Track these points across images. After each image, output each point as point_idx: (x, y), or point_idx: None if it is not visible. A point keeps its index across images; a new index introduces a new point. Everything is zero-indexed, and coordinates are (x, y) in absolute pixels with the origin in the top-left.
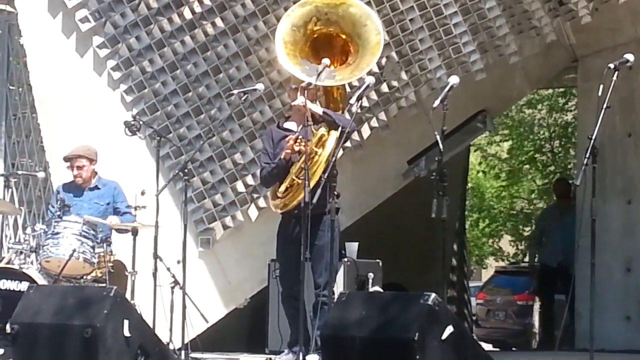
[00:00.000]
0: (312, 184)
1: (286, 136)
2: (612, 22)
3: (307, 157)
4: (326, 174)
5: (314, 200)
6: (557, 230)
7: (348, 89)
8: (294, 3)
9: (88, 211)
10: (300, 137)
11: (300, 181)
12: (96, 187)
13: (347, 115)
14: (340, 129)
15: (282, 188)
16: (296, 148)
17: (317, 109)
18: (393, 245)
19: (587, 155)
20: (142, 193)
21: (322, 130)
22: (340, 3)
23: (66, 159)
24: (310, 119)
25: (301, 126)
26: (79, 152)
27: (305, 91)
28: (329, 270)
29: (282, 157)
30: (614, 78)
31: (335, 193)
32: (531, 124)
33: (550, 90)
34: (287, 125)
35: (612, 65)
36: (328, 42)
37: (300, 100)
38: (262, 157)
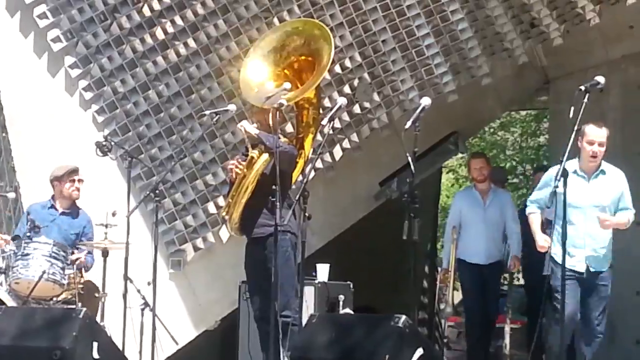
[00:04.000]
0: (239, 205)
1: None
2: (583, 44)
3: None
4: (297, 196)
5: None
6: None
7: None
8: (266, 25)
9: (58, 236)
10: (237, 160)
11: (231, 201)
12: (70, 213)
13: (318, 137)
14: (276, 149)
15: (223, 211)
16: (234, 170)
17: (253, 130)
18: (364, 267)
19: (558, 177)
20: (113, 214)
21: (255, 152)
22: (306, 26)
23: (60, 177)
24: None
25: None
26: (73, 167)
27: (267, 113)
28: (285, 292)
29: (230, 180)
30: (585, 100)
31: (307, 215)
32: (504, 146)
33: (524, 113)
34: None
35: (582, 88)
36: (299, 67)
37: (240, 123)
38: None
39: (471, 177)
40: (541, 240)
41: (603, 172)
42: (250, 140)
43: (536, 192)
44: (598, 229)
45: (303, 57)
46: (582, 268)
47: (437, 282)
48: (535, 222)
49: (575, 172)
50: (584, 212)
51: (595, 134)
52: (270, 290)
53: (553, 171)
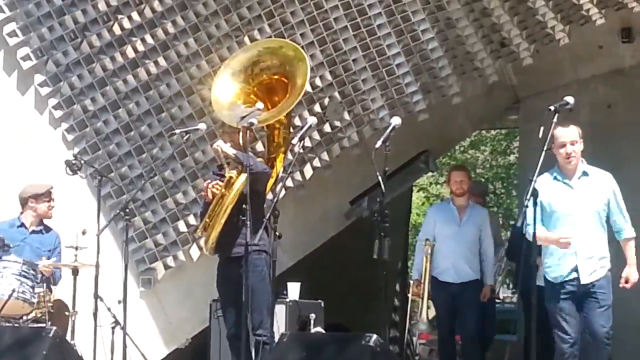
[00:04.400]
0: (218, 225)
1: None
2: (553, 64)
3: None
4: (268, 215)
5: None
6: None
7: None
8: (237, 43)
9: (31, 255)
10: (214, 180)
11: (210, 222)
12: (40, 231)
13: (289, 156)
14: (248, 169)
15: (199, 231)
16: (211, 190)
17: (230, 150)
18: (335, 286)
19: (528, 197)
20: (83, 232)
21: (233, 172)
22: (280, 46)
23: (39, 195)
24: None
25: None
26: (50, 186)
27: (237, 133)
28: (261, 310)
29: (205, 200)
30: (554, 120)
31: (277, 234)
32: (474, 164)
33: (494, 132)
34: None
35: (552, 108)
36: (270, 87)
37: (216, 143)
38: (202, 200)
39: (450, 190)
40: (558, 241)
41: (586, 173)
42: (225, 160)
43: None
44: (591, 236)
45: (275, 77)
46: (575, 276)
47: (409, 295)
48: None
49: (555, 177)
50: (574, 220)
51: (565, 134)
52: (252, 304)
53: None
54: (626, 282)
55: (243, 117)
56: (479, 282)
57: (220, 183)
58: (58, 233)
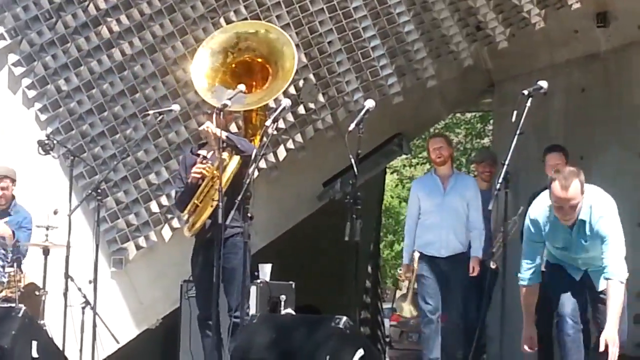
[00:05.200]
0: (209, 208)
1: (196, 162)
2: (528, 47)
3: (216, 180)
4: (240, 196)
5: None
6: None
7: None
8: (212, 25)
9: None
10: (204, 160)
11: (200, 204)
12: (8, 213)
13: (264, 138)
14: (241, 153)
15: (185, 212)
16: (205, 173)
17: (222, 133)
18: (307, 268)
19: (500, 181)
20: (55, 212)
21: (225, 154)
22: (259, 30)
23: None
24: (220, 143)
25: (211, 152)
26: (3, 172)
27: (218, 115)
28: (240, 292)
29: (189, 180)
30: (528, 104)
31: (249, 215)
32: None
33: (469, 115)
34: (201, 150)
35: (525, 92)
36: (249, 68)
37: (205, 124)
38: (176, 181)
39: (430, 160)
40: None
41: (583, 222)
42: (215, 142)
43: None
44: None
45: (254, 59)
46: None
47: (400, 278)
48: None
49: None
50: (576, 260)
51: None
52: (229, 289)
53: (529, 224)
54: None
55: (230, 99)
56: (466, 255)
57: (210, 165)
58: (26, 214)
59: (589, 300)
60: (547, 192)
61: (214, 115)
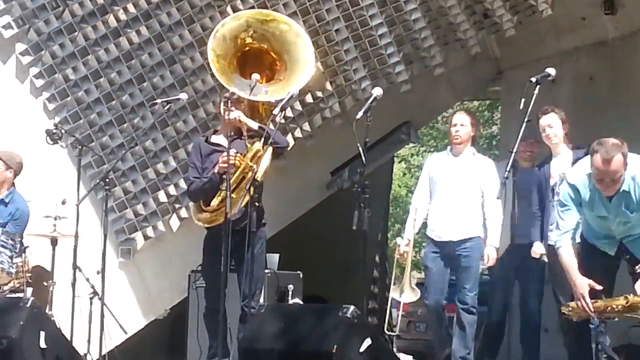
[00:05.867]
0: (246, 199)
1: (215, 151)
2: (535, 35)
3: (248, 171)
4: (249, 185)
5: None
6: None
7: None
8: (220, 13)
9: None
10: (237, 152)
11: (235, 196)
12: (2, 201)
13: (271, 126)
14: (275, 145)
15: (215, 203)
16: (231, 162)
17: (253, 123)
18: (315, 257)
19: (508, 168)
20: (63, 202)
21: (258, 145)
22: (271, 19)
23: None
24: (244, 133)
25: (231, 140)
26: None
27: (226, 104)
28: (257, 282)
29: (215, 171)
30: (536, 92)
31: (257, 205)
32: None
33: (477, 103)
34: (214, 139)
35: (533, 79)
36: (256, 57)
37: (236, 113)
38: (190, 170)
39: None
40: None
41: (625, 193)
42: (247, 131)
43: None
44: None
45: (266, 49)
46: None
47: (397, 256)
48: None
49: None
50: (613, 231)
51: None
52: (250, 278)
53: (568, 188)
54: None
55: (252, 89)
56: (481, 241)
57: (241, 156)
58: (21, 204)
59: (629, 273)
60: (587, 158)
61: (223, 104)
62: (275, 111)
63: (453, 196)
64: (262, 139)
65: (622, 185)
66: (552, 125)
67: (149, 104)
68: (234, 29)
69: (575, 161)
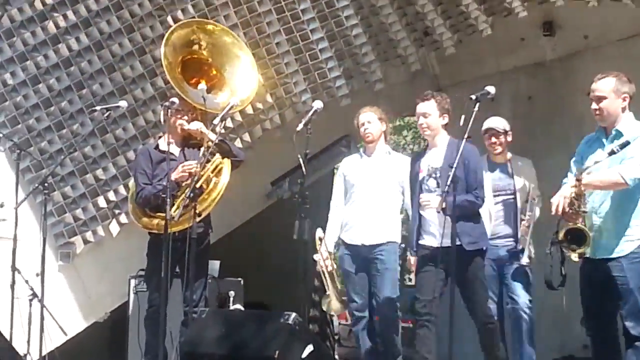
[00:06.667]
0: (208, 210)
1: (164, 159)
2: (475, 54)
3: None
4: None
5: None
6: None
7: None
8: (160, 23)
9: None
10: (197, 162)
11: (198, 206)
12: None
13: (212, 136)
14: (234, 157)
15: (174, 211)
16: (192, 172)
17: (213, 135)
18: (256, 265)
19: (448, 184)
20: (1, 205)
21: (219, 158)
22: (215, 30)
23: None
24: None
25: (182, 148)
26: None
27: (166, 112)
28: (202, 287)
29: (173, 178)
30: (475, 109)
31: (198, 212)
32: (396, 149)
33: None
34: (163, 146)
35: (473, 97)
36: (196, 66)
37: (196, 125)
38: (139, 177)
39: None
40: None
41: (619, 133)
42: (181, 142)
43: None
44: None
45: (207, 59)
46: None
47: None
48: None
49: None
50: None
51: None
52: (194, 284)
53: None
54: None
55: (204, 99)
56: (397, 246)
57: (197, 166)
58: None
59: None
60: None
61: (168, 113)
62: (216, 121)
63: (367, 198)
64: (221, 151)
65: (616, 124)
66: (428, 113)
67: (88, 111)
68: (182, 37)
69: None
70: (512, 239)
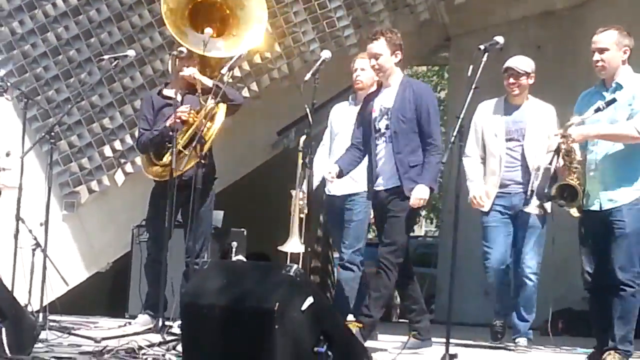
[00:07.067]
0: (195, 158)
1: (167, 104)
2: (485, 3)
3: (199, 128)
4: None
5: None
6: None
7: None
8: None
9: None
10: (190, 108)
11: (187, 152)
12: None
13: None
14: (230, 102)
15: (167, 158)
16: (184, 118)
17: (207, 80)
18: (259, 215)
19: (454, 134)
20: (7, 154)
21: (212, 103)
22: None
23: None
24: (198, 90)
25: (183, 95)
26: None
27: (174, 61)
28: (204, 238)
29: (167, 124)
30: (484, 59)
31: (202, 162)
32: None
33: (425, 68)
34: (167, 92)
35: (482, 47)
36: (208, 10)
37: (190, 71)
38: (140, 122)
39: None
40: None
41: (619, 86)
42: (201, 89)
43: None
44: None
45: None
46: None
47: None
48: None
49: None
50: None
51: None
52: (197, 234)
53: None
54: None
55: (205, 45)
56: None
57: (193, 112)
58: None
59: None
60: None
61: (174, 60)
62: (224, 71)
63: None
64: (215, 96)
65: (617, 77)
66: (379, 54)
67: (96, 60)
68: None
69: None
70: (525, 186)
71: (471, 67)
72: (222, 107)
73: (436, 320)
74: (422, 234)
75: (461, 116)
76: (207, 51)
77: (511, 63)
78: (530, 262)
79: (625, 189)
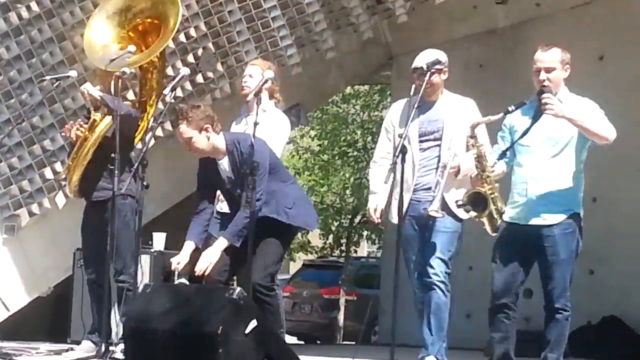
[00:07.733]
0: (80, 168)
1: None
2: (427, 22)
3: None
4: (137, 164)
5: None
6: None
7: None
8: None
9: None
10: (79, 122)
11: (71, 164)
12: None
13: (160, 105)
14: (111, 112)
15: (62, 173)
16: (68, 134)
17: (95, 92)
18: None
19: (396, 153)
20: None
21: (97, 115)
22: None
23: None
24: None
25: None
26: None
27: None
28: (124, 255)
29: (71, 142)
30: (426, 78)
31: (145, 184)
32: (345, 118)
33: (367, 87)
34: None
35: (424, 66)
36: (144, 31)
37: (83, 86)
38: None
39: None
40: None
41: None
42: (93, 103)
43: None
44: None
45: (149, 20)
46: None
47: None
48: None
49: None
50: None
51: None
52: (106, 254)
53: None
54: None
55: (112, 60)
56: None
57: (84, 125)
58: None
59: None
60: None
61: (117, 81)
62: (166, 91)
63: None
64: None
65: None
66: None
67: (37, 81)
68: (119, 3)
69: None
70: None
71: (413, 86)
72: (106, 119)
73: (379, 342)
74: (365, 254)
75: (404, 135)
76: (110, 67)
77: (415, 62)
78: (438, 266)
79: (556, 207)
